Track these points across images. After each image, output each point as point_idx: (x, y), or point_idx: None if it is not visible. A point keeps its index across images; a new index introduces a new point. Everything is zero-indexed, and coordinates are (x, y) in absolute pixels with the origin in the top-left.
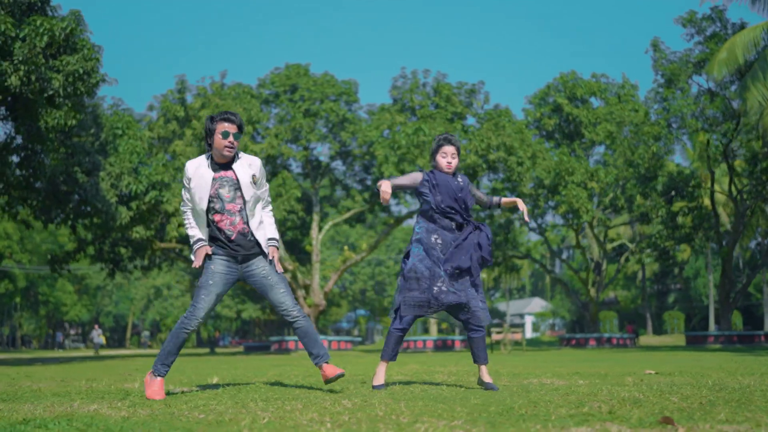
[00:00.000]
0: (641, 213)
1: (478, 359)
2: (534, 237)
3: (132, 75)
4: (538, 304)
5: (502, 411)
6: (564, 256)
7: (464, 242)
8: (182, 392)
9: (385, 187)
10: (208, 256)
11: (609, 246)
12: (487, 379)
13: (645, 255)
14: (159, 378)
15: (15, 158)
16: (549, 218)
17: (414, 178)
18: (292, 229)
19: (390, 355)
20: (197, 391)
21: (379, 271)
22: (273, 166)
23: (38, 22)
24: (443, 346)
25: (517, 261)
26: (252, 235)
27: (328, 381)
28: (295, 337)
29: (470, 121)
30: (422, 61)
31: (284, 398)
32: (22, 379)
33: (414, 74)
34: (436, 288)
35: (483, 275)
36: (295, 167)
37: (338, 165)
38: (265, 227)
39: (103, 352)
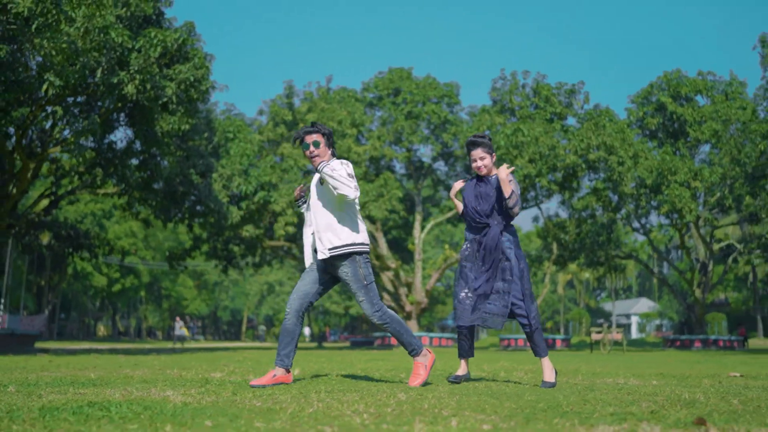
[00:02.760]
0: (750, 213)
1: (535, 353)
2: (641, 237)
3: (244, 81)
4: (645, 304)
5: (548, 408)
6: (673, 256)
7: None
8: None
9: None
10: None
11: (716, 246)
12: (545, 377)
13: (754, 256)
14: (273, 369)
15: (134, 161)
16: (653, 218)
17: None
18: (395, 228)
19: (463, 353)
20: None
21: None
22: (376, 167)
23: (152, 34)
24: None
25: (621, 261)
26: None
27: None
28: None
29: (570, 121)
30: (522, 62)
31: (348, 390)
32: (128, 366)
33: (513, 75)
34: (459, 302)
35: (587, 274)
36: (399, 168)
37: (440, 166)
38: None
39: (197, 345)
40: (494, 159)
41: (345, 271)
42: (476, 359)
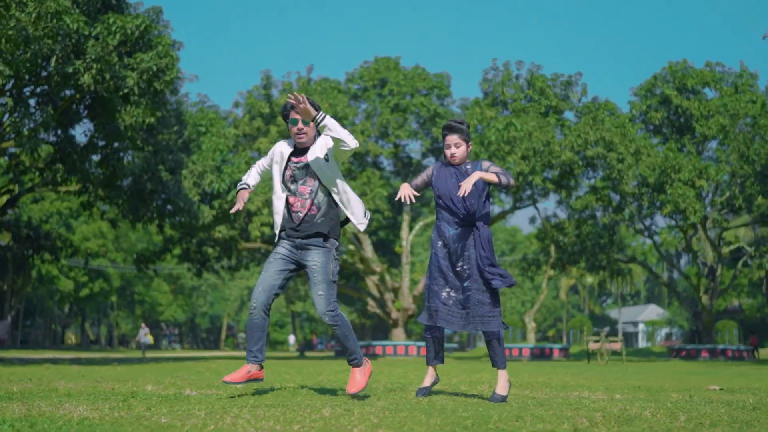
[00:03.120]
0: (761, 214)
1: (494, 364)
2: (649, 240)
3: (219, 71)
4: (654, 311)
5: (473, 425)
6: (684, 260)
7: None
8: (188, 395)
9: (403, 191)
10: (276, 242)
11: (725, 249)
12: (498, 389)
13: (766, 260)
14: (246, 365)
15: (96, 157)
16: (660, 220)
17: (428, 172)
18: (381, 229)
19: (431, 359)
20: (207, 395)
21: None
22: (361, 164)
23: (111, 20)
24: (540, 355)
25: (624, 265)
26: (320, 218)
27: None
28: (383, 342)
29: (567, 115)
30: (516, 52)
31: (277, 405)
32: (71, 378)
33: (506, 66)
34: (441, 302)
35: (589, 279)
36: (387, 165)
37: (430, 162)
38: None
39: (164, 354)
40: (470, 149)
41: (316, 260)
42: (455, 369)
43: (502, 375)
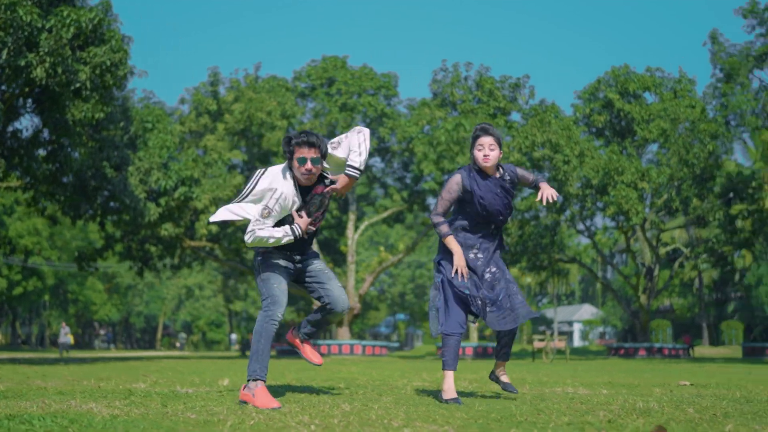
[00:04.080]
0: (697, 216)
1: (501, 356)
2: (584, 240)
3: (165, 67)
4: (588, 311)
5: (501, 418)
6: (617, 260)
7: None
8: (186, 393)
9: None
10: (268, 254)
11: (662, 250)
12: (505, 379)
13: (701, 260)
14: (261, 383)
15: (42, 152)
16: (599, 220)
17: (455, 187)
18: (326, 228)
19: (454, 363)
20: (204, 392)
21: (419, 273)
22: None
23: (65, 13)
24: (483, 353)
25: (564, 265)
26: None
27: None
28: (328, 341)
29: (515, 116)
30: (464, 53)
31: (287, 401)
32: (37, 377)
33: (455, 67)
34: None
35: (528, 279)
36: None
37: (376, 162)
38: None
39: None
40: (500, 156)
41: (318, 261)
42: (427, 368)
43: (504, 368)
